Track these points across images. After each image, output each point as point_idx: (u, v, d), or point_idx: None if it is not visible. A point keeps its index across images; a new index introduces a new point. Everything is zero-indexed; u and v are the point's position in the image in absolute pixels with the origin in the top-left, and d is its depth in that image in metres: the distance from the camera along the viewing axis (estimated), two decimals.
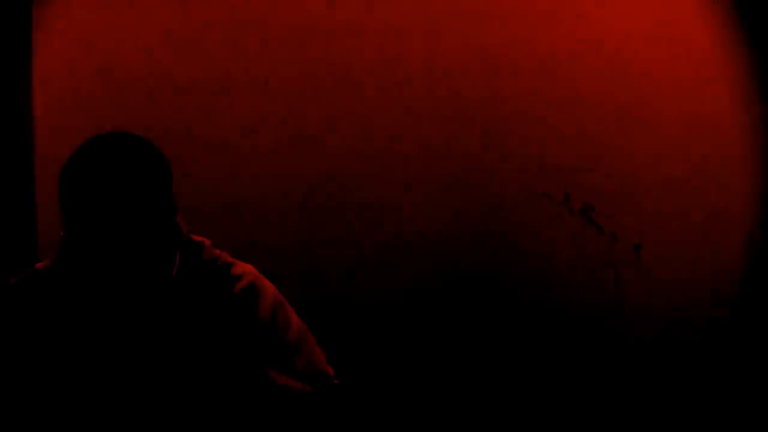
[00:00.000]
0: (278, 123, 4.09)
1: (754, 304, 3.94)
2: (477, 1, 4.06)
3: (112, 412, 1.99)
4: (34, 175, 4.01)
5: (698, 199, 4.01)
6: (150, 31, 4.07)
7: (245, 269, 2.16)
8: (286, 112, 4.09)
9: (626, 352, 4.04)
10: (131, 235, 1.92)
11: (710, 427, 3.93)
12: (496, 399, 4.10)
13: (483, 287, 4.10)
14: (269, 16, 4.08)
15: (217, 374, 1.96)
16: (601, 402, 4.06)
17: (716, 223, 4.00)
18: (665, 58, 3.98)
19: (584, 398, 4.08)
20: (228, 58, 4.08)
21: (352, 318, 4.10)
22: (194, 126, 4.07)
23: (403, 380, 4.13)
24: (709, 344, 3.98)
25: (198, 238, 2.14)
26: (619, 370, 4.03)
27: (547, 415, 4.06)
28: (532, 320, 4.08)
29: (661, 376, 4.02)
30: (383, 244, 4.10)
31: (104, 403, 1.98)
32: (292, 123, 4.09)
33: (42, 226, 3.99)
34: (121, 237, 1.91)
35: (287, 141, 4.10)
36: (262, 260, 2.25)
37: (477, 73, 4.06)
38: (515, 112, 4.06)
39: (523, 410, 4.07)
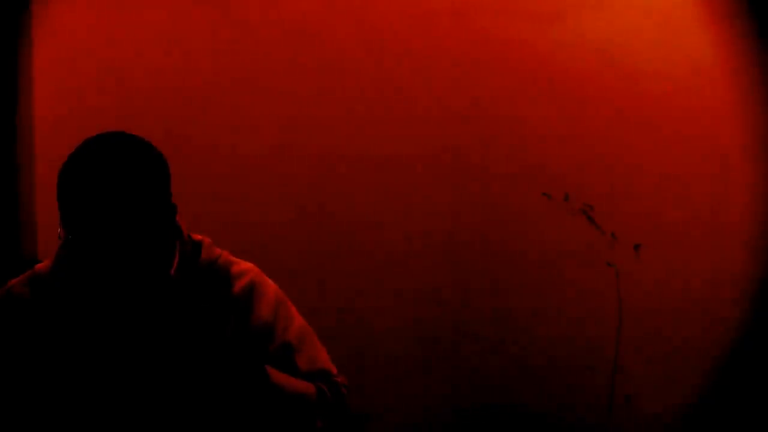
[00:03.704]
0: (276, 124, 4.10)
1: (755, 303, 3.94)
2: (476, 1, 4.06)
3: (112, 412, 1.99)
4: (34, 175, 4.01)
5: (698, 199, 4.01)
6: (149, 32, 4.08)
7: (246, 267, 2.16)
8: (283, 113, 4.09)
9: (625, 353, 4.04)
10: (129, 235, 1.92)
11: (710, 427, 3.94)
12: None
13: (483, 287, 4.10)
14: (267, 17, 4.08)
15: (217, 374, 1.95)
16: (599, 401, 4.07)
17: (716, 222, 4.00)
18: (665, 58, 3.98)
19: (584, 401, 4.09)
20: (226, 59, 4.08)
21: (351, 319, 4.10)
22: (193, 126, 4.07)
23: (403, 381, 4.14)
24: (709, 345, 3.98)
25: (198, 237, 2.14)
26: (618, 369, 4.04)
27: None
28: (531, 320, 4.08)
29: (661, 377, 4.03)
30: (383, 245, 4.10)
31: (104, 403, 1.99)
32: (289, 124, 4.09)
33: (42, 226, 3.99)
34: (119, 237, 1.91)
35: (285, 142, 4.10)
36: (261, 261, 2.25)
37: (476, 73, 4.07)
38: (515, 112, 4.06)
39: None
